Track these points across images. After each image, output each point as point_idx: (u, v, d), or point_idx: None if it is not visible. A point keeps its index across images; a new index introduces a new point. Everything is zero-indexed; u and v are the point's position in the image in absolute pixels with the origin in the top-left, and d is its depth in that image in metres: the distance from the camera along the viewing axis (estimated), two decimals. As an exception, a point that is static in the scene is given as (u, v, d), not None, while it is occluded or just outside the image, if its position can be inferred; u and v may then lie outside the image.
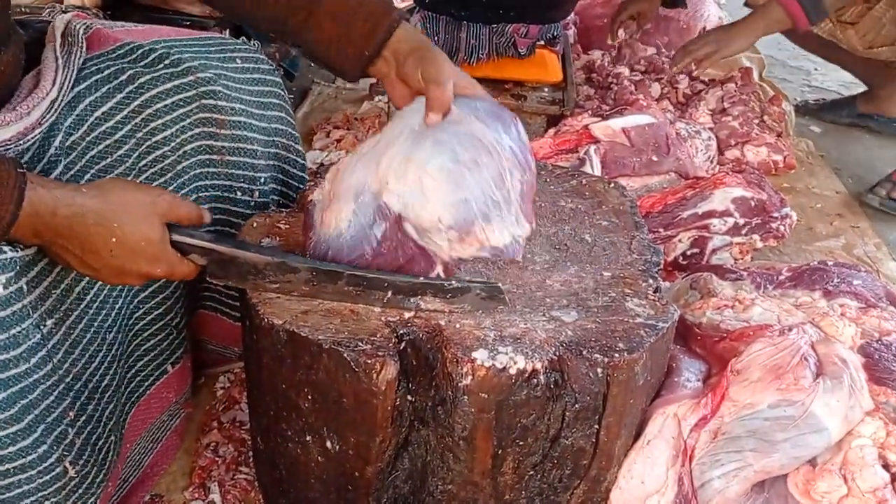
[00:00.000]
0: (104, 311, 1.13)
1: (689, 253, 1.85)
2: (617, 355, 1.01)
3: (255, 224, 1.22)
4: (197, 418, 1.46)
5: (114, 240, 0.95)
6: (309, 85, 2.87)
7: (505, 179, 1.04)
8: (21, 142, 1.04)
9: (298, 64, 2.79)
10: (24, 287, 0.97)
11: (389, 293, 1.06)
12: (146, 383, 1.29)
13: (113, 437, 1.17)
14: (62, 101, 1.11)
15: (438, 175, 1.01)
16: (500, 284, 1.07)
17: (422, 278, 1.06)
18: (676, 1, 2.54)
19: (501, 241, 1.04)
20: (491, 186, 1.02)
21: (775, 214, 1.93)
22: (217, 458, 1.36)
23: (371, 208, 1.03)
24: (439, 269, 1.07)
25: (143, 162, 1.20)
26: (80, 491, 1.08)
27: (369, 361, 0.98)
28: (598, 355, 1.00)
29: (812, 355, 1.18)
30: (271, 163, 1.37)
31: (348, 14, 1.12)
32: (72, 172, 1.11)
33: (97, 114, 1.15)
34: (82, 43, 1.18)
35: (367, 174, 1.04)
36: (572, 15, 2.74)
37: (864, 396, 1.15)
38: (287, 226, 1.22)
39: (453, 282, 1.06)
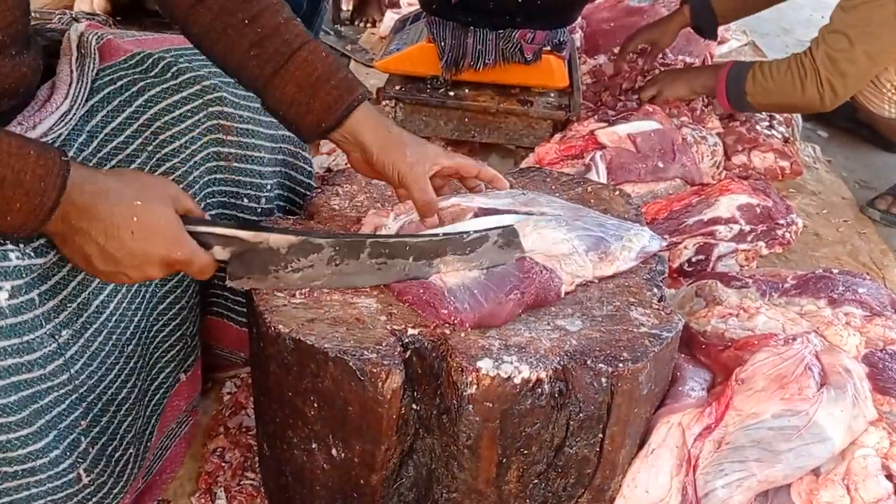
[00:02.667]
0: (123, 325, 1.14)
1: (694, 260, 1.85)
2: (621, 365, 1.01)
3: (262, 232, 1.23)
4: (203, 423, 1.46)
5: (135, 219, 0.95)
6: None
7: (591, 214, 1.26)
8: None
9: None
10: (37, 298, 0.98)
11: (411, 259, 1.08)
12: (167, 394, 1.30)
13: (132, 450, 1.18)
14: (75, 113, 1.12)
15: (549, 224, 1.16)
16: (514, 227, 1.11)
17: (441, 234, 1.11)
18: (706, 32, 2.49)
19: (640, 245, 1.21)
20: (595, 220, 1.23)
21: (781, 221, 1.93)
22: (223, 464, 1.37)
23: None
24: (564, 287, 1.13)
25: (155, 174, 1.21)
26: (95, 500, 1.09)
27: (375, 370, 0.98)
28: (602, 365, 1.01)
29: (816, 365, 1.18)
30: (278, 169, 1.37)
31: (314, 83, 1.13)
32: None
33: (107, 129, 1.16)
34: (95, 54, 1.19)
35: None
36: (579, 20, 2.74)
37: (868, 406, 1.16)
38: (294, 234, 1.23)
39: (471, 233, 1.10)
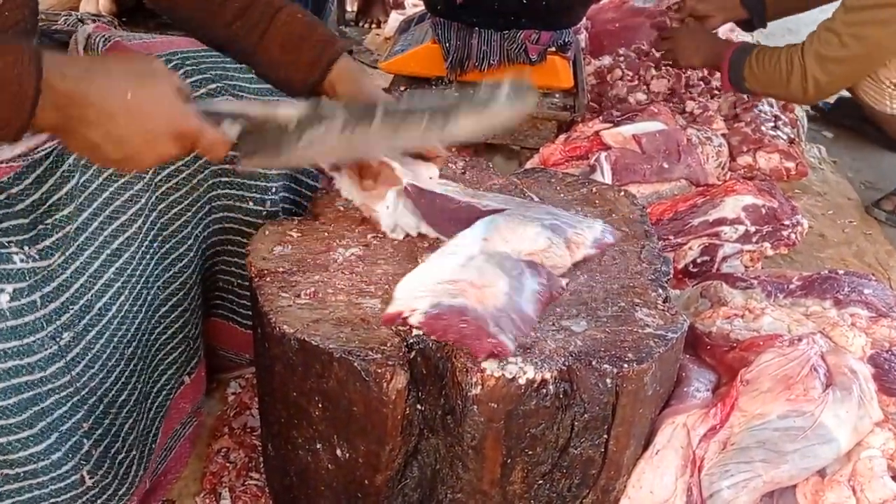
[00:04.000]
0: (125, 327, 1.15)
1: (699, 261, 1.85)
2: (626, 366, 1.01)
3: (266, 232, 1.23)
4: (208, 423, 1.47)
5: (129, 94, 0.89)
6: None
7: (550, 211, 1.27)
8: (29, 156, 1.04)
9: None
10: (38, 301, 0.99)
11: (426, 120, 1.07)
12: (170, 396, 1.30)
13: (135, 452, 1.18)
14: None
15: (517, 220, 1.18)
16: (524, 78, 1.12)
17: (457, 94, 1.12)
18: (753, 20, 2.45)
19: (592, 237, 1.22)
20: (544, 209, 1.26)
21: (786, 222, 1.93)
22: (228, 464, 1.37)
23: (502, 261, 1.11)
24: (545, 276, 1.14)
25: (159, 177, 1.21)
26: (100, 502, 1.09)
27: (379, 371, 0.98)
28: (607, 366, 1.01)
29: (822, 366, 1.18)
30: (284, 172, 1.38)
31: (296, 42, 1.23)
32: (89, 191, 1.11)
33: None
34: None
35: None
36: (584, 20, 2.74)
37: (874, 407, 1.15)
38: (299, 234, 1.23)
39: (483, 88, 1.10)
